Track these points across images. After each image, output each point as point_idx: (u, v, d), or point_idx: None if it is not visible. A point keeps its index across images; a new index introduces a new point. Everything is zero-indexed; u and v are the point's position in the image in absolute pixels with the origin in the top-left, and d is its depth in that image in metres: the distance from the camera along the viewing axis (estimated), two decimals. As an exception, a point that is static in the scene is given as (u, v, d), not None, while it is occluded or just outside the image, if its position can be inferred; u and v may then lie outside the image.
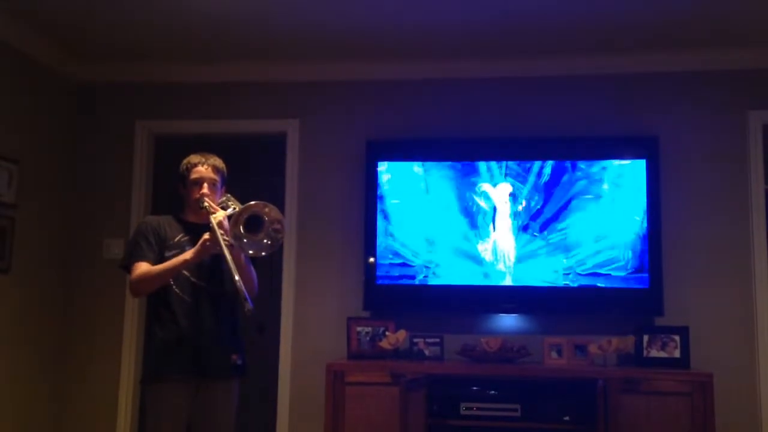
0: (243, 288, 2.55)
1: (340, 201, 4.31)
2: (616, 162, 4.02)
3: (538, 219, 4.03)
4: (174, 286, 2.79)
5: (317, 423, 3.85)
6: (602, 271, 3.95)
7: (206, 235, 2.69)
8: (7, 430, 3.90)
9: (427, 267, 4.08)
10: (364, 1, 3.57)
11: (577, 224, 4.00)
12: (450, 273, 4.06)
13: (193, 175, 2.88)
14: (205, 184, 2.86)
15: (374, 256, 4.11)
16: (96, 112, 4.55)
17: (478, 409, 3.71)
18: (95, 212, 4.45)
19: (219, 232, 2.64)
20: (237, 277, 2.56)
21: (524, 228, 4.04)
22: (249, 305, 2.53)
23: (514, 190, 4.07)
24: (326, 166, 4.36)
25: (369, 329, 4.00)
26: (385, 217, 4.14)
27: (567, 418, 3.64)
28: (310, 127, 4.40)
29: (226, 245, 2.62)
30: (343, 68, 4.35)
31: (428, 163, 4.15)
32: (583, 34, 3.91)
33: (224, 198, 2.91)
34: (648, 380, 3.57)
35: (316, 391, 3.94)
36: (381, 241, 4.12)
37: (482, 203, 4.09)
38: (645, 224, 3.95)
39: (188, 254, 2.73)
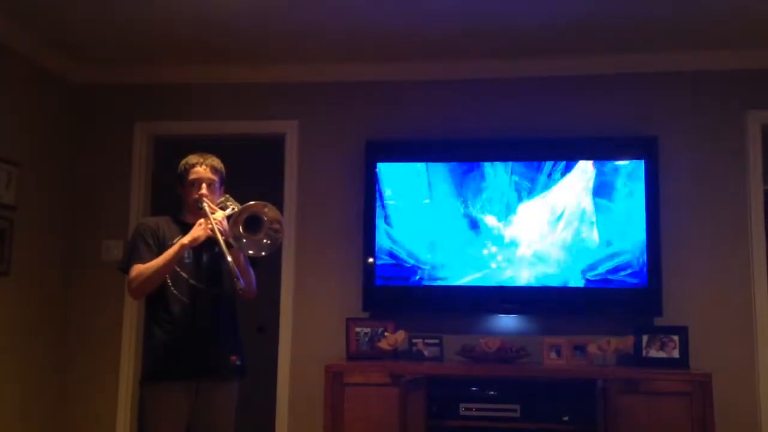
0: (235, 268, 2.59)
1: (339, 202, 4.31)
2: (616, 162, 4.02)
3: (537, 219, 4.03)
4: (172, 288, 2.79)
5: (316, 424, 3.86)
6: (601, 271, 3.95)
7: (201, 220, 2.72)
8: (7, 430, 3.90)
9: (425, 268, 4.08)
10: (362, 3, 3.57)
11: (576, 225, 4.00)
12: (449, 274, 4.06)
13: (192, 176, 2.87)
14: (204, 185, 2.86)
15: (373, 256, 4.11)
16: (95, 113, 4.55)
17: (477, 409, 3.71)
18: (94, 214, 4.45)
19: (212, 217, 2.68)
20: (229, 259, 2.59)
21: (523, 229, 4.04)
22: (241, 284, 2.59)
23: (513, 190, 4.07)
24: (325, 167, 4.37)
25: (368, 330, 4.00)
26: (385, 218, 4.14)
27: (566, 418, 3.64)
28: (309, 128, 4.41)
29: (218, 229, 2.66)
30: (342, 69, 4.36)
31: (427, 164, 4.14)
32: (583, 35, 3.91)
33: (223, 198, 2.92)
34: (647, 380, 3.57)
35: (315, 391, 3.94)
36: (380, 242, 4.12)
37: (481, 204, 4.08)
38: (644, 224, 3.95)
39: (185, 239, 2.73)
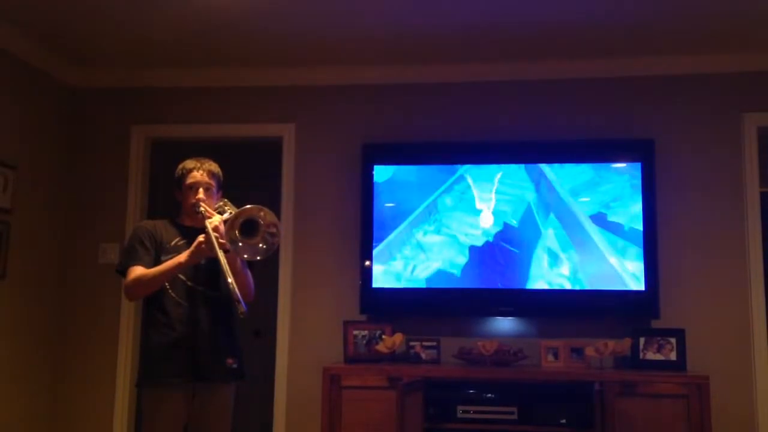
0: (236, 290, 2.55)
1: (336, 204, 4.31)
2: (612, 165, 4.02)
3: (534, 221, 4.04)
4: (170, 290, 2.79)
5: (314, 427, 3.85)
6: (598, 273, 3.96)
7: (201, 237, 2.69)
8: (4, 434, 3.91)
9: (422, 270, 4.08)
10: (360, 6, 3.58)
11: (573, 227, 4.00)
12: (446, 276, 4.06)
13: (189, 180, 2.88)
14: (201, 189, 2.86)
15: (370, 259, 4.11)
16: (92, 116, 4.55)
17: (474, 412, 3.70)
18: (91, 217, 4.45)
19: (213, 234, 2.65)
20: (230, 280, 2.56)
21: (520, 230, 4.04)
22: (243, 308, 2.53)
23: (510, 192, 4.07)
24: (322, 170, 4.37)
25: (366, 333, 4.00)
26: (381, 219, 4.13)
27: (564, 421, 3.64)
28: (306, 131, 4.41)
29: (220, 247, 2.63)
30: (339, 72, 4.36)
31: (424, 167, 4.15)
32: (579, 38, 3.92)
33: (220, 203, 2.91)
34: (644, 383, 3.58)
35: (312, 394, 3.93)
36: (377, 244, 4.12)
37: (479, 206, 4.09)
38: (641, 227, 3.95)
39: (182, 257, 2.72)
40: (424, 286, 4.07)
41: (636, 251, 3.93)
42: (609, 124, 4.17)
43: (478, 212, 4.08)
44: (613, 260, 3.94)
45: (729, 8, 3.53)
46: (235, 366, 2.87)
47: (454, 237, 4.08)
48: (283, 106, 4.44)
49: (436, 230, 4.09)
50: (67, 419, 4.31)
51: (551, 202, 4.04)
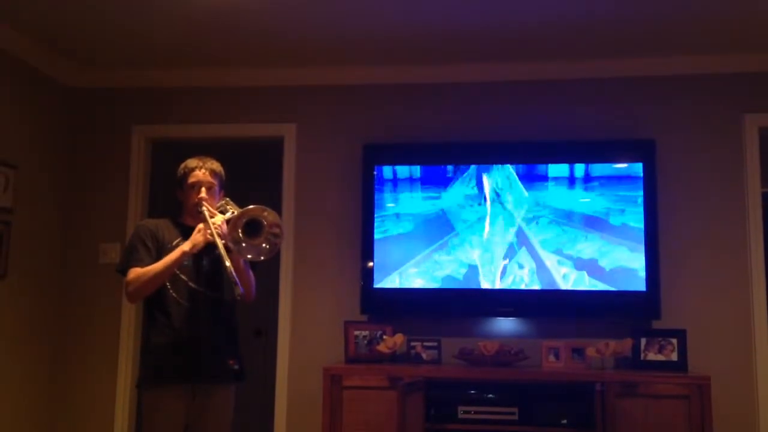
0: (234, 274, 2.57)
1: (337, 205, 4.31)
2: (613, 165, 4.02)
3: (535, 222, 4.04)
4: (171, 290, 2.78)
5: (315, 427, 3.85)
6: (599, 274, 3.96)
7: (200, 225, 2.71)
8: (4, 435, 3.90)
9: (423, 270, 4.08)
10: (360, 6, 3.58)
11: (574, 227, 4.00)
12: (446, 276, 4.06)
13: (191, 179, 2.87)
14: (203, 189, 2.85)
15: (371, 260, 4.11)
16: (93, 117, 4.54)
17: (475, 412, 3.70)
18: (92, 217, 4.45)
19: (212, 222, 2.67)
20: (228, 264, 2.57)
21: (520, 230, 4.04)
22: (240, 290, 2.58)
23: (510, 192, 4.07)
24: (323, 170, 4.37)
25: (366, 333, 4.00)
26: (382, 220, 4.13)
27: (565, 421, 3.64)
28: (307, 131, 4.41)
29: (218, 233, 2.65)
30: (340, 72, 4.36)
31: (425, 167, 4.15)
32: (579, 38, 3.92)
33: (222, 202, 2.91)
34: (646, 383, 3.58)
35: (313, 395, 3.93)
36: (378, 244, 4.11)
37: (479, 206, 4.09)
38: (642, 227, 3.95)
39: (186, 245, 2.72)
40: (424, 286, 4.06)
41: (637, 251, 3.93)
42: (610, 124, 4.17)
43: (479, 212, 4.09)
44: (613, 260, 3.94)
45: (730, 8, 3.53)
46: (236, 367, 2.87)
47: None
48: (284, 107, 4.44)
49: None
50: (68, 419, 4.30)
51: (552, 202, 4.04)
